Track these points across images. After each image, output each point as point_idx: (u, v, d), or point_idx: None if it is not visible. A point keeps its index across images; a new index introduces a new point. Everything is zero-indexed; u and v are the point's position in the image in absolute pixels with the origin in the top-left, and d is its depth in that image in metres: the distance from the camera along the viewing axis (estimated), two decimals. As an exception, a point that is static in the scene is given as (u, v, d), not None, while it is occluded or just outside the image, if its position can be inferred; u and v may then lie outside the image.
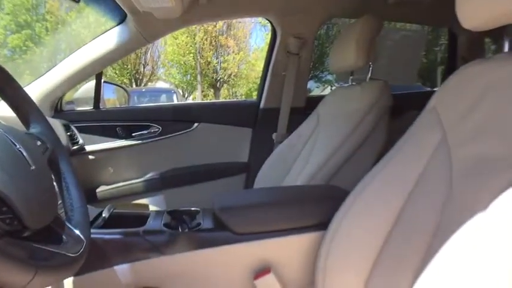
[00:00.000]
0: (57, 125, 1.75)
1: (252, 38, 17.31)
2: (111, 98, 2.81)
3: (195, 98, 17.57)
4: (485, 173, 0.71)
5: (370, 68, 1.67)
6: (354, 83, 1.77)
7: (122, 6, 1.68)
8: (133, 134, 2.11)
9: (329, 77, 13.85)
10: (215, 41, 16.30)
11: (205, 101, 6.30)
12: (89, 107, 2.14)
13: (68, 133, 1.85)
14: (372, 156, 1.49)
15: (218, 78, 16.94)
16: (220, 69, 16.84)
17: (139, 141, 2.11)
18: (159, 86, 17.60)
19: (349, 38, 1.60)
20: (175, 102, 8.56)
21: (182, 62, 16.66)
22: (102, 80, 2.17)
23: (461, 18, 0.81)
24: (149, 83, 17.73)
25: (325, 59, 13.47)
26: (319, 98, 1.96)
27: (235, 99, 7.57)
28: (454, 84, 0.90)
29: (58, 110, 2.01)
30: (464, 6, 0.82)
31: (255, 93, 17.11)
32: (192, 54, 16.22)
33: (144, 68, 16.99)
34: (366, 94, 1.56)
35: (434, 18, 2.26)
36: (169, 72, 17.89)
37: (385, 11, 1.96)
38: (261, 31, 17.33)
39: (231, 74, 16.96)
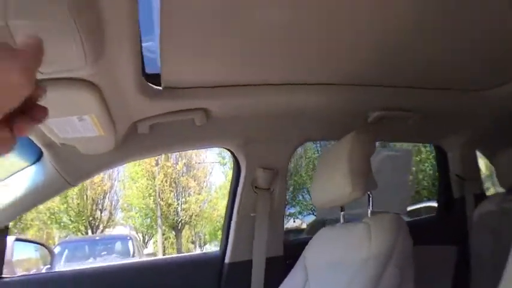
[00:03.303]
0: None
1: (212, 176, 17.27)
2: (33, 258, 2.21)
3: (156, 241, 16.64)
4: None
5: (371, 199, 1.27)
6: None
7: (33, 140, 1.25)
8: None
9: (292, 210, 13.66)
10: (175, 182, 16.09)
11: (147, 260, 5.63)
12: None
13: None
14: None
15: (179, 220, 16.32)
16: (181, 211, 16.32)
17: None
18: (117, 231, 16.68)
19: (339, 161, 1.22)
20: (131, 249, 7.77)
21: (142, 205, 16.12)
22: (14, 238, 1.63)
23: None
24: (106, 229, 16.81)
25: (286, 192, 13.44)
26: (299, 242, 1.58)
27: (190, 253, 6.97)
28: None
29: None
30: None
31: (219, 233, 16.64)
32: (152, 197, 15.77)
33: (101, 213, 16.23)
34: (378, 235, 1.12)
35: (420, 136, 2.01)
36: (128, 216, 17.18)
37: None
38: (221, 168, 17.51)
39: (192, 215, 16.43)
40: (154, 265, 1.81)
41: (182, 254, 8.24)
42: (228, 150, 1.66)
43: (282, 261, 1.65)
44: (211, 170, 17.15)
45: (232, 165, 1.73)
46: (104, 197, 16.12)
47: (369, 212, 1.27)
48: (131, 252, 7.64)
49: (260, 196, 1.65)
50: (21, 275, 1.68)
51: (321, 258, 1.33)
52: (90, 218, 15.72)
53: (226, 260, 1.66)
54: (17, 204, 1.38)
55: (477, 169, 2.08)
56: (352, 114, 1.54)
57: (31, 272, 2.23)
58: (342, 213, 1.39)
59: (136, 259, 6.12)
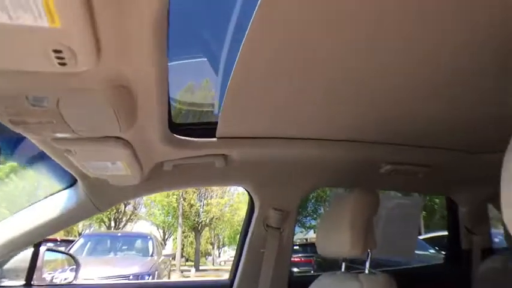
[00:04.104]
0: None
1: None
2: (59, 259, 2.40)
3: (175, 238, 16.92)
4: None
5: (369, 257, 1.35)
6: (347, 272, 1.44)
7: (69, 171, 1.41)
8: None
9: (313, 222, 13.62)
10: (199, 184, 16.31)
11: (166, 281, 5.78)
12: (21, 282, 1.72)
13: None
14: None
15: (200, 221, 16.54)
16: (202, 212, 16.55)
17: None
18: (139, 226, 17.05)
19: (341, 218, 1.32)
20: (151, 249, 7.98)
21: (165, 203, 16.42)
22: (45, 249, 1.80)
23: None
24: (129, 223, 17.20)
25: (308, 203, 13.41)
26: (304, 280, 1.64)
27: (201, 279, 7.20)
28: None
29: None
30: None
31: (238, 237, 16.77)
32: (175, 196, 16.06)
33: (125, 207, 16.60)
34: None
35: (432, 187, 2.05)
36: (150, 213, 17.55)
37: (377, 181, 1.73)
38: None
39: (213, 218, 16.62)
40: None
41: (194, 280, 8.39)
42: (246, 190, 1.77)
43: None
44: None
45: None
46: (130, 192, 16.44)
47: (366, 270, 1.35)
48: (150, 252, 7.84)
49: (270, 234, 1.75)
50: (50, 284, 1.85)
51: (318, 304, 1.43)
52: (114, 211, 16.11)
53: None
54: (50, 224, 1.54)
55: (487, 224, 2.11)
56: (365, 166, 1.62)
57: (57, 278, 2.41)
58: (344, 263, 1.48)
59: (151, 280, 6.27)
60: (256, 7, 0.72)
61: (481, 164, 1.62)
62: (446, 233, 2.27)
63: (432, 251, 5.79)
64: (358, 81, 1.06)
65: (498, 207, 1.81)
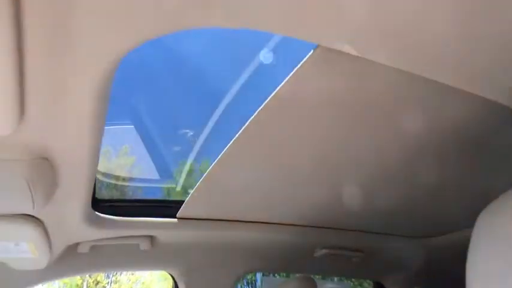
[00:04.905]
0: None
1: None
2: None
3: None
4: None
5: None
6: None
7: None
8: None
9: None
10: (108, 259, 15.05)
11: None
12: None
13: None
14: None
15: (106, 302, 15.00)
16: (110, 291, 15.08)
17: None
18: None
19: None
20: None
21: (67, 281, 14.71)
22: None
23: None
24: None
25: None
26: None
27: None
28: None
29: None
30: None
31: (147, 320, 15.42)
32: (80, 272, 14.49)
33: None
34: None
35: (362, 272, 2.03)
36: (47, 292, 15.57)
37: (311, 265, 1.68)
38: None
39: (121, 297, 15.20)
40: None
41: None
42: (170, 275, 1.59)
43: None
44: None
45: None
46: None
47: None
48: None
49: None
50: None
51: None
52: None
53: None
54: None
55: None
56: (300, 250, 1.57)
57: None
58: None
59: None
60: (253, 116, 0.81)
61: (415, 248, 1.65)
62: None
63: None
64: (295, 172, 1.08)
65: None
